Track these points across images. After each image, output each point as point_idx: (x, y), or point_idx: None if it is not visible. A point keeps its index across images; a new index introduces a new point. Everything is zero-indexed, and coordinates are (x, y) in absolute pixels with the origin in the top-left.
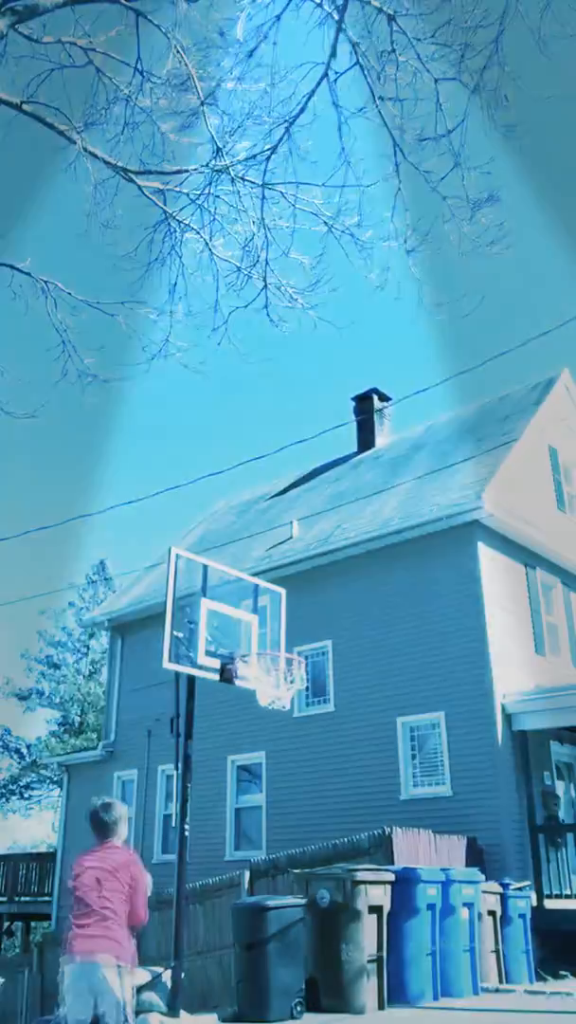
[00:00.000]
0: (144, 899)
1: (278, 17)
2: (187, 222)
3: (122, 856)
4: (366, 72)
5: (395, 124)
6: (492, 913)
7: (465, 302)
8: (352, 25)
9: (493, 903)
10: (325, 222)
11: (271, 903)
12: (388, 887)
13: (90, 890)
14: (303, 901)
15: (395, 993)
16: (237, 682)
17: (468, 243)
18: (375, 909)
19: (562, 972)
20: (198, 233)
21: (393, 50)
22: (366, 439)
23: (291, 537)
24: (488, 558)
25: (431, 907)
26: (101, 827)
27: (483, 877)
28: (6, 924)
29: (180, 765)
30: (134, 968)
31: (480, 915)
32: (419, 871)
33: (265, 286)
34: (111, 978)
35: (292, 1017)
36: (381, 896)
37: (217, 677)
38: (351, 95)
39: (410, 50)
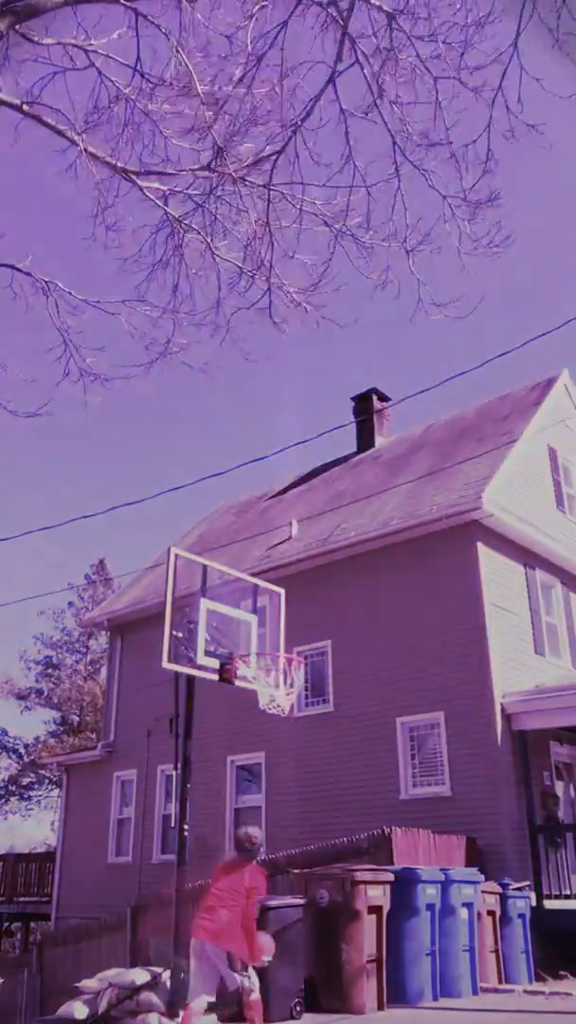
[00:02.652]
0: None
1: (284, 23)
2: (189, 223)
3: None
4: (366, 71)
5: (395, 124)
6: (491, 913)
7: (465, 302)
8: (352, 24)
9: (492, 903)
10: (326, 223)
11: (271, 903)
12: (387, 887)
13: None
14: (302, 901)
15: (394, 993)
16: (236, 682)
17: (469, 243)
18: (374, 909)
19: (561, 972)
20: (199, 234)
21: (393, 48)
22: (366, 439)
23: (291, 537)
24: (488, 558)
25: (430, 907)
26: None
27: (482, 877)
28: (6, 924)
29: (179, 765)
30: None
31: (479, 915)
32: (418, 871)
33: (269, 288)
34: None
35: (292, 1017)
36: (380, 896)
37: (216, 677)
38: (353, 96)
39: (410, 48)
